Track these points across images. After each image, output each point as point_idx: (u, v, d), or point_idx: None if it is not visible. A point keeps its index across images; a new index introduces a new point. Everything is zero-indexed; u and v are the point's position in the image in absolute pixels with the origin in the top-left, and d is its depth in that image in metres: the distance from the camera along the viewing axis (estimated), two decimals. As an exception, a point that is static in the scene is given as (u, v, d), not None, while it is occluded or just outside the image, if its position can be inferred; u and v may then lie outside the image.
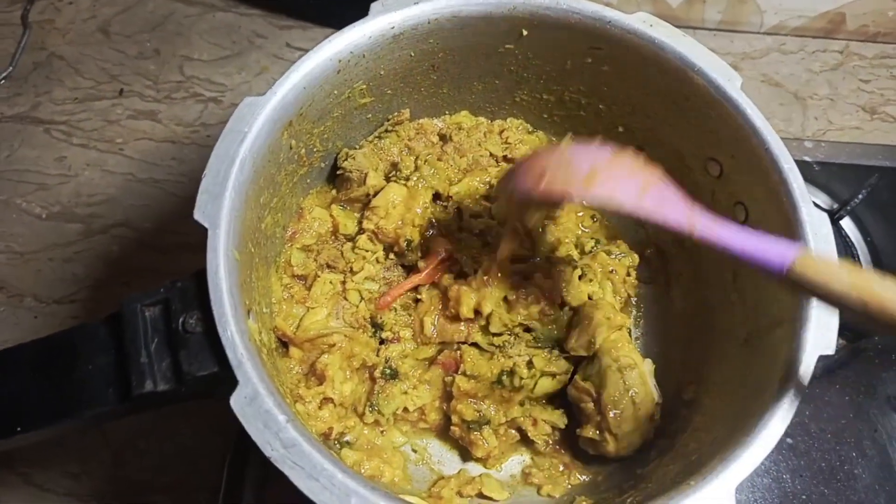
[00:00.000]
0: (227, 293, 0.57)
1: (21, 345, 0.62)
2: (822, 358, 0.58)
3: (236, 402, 0.53)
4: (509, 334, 0.77)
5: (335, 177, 0.84)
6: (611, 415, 0.70)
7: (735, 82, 0.68)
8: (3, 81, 1.13)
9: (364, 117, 0.80)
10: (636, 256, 0.85)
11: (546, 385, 0.76)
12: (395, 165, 0.83)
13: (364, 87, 0.75)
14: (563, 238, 0.83)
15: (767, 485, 0.90)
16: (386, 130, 0.85)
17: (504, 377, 0.74)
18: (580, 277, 0.80)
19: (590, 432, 0.72)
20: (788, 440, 0.93)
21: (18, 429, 0.59)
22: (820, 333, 0.58)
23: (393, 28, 0.71)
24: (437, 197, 0.84)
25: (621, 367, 0.73)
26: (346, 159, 0.82)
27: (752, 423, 0.57)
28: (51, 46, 1.17)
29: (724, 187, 0.73)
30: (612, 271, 0.84)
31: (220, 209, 0.60)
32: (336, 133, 0.78)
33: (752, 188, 0.69)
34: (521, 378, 0.74)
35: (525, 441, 0.79)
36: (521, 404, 0.77)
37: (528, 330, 0.78)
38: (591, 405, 0.73)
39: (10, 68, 1.13)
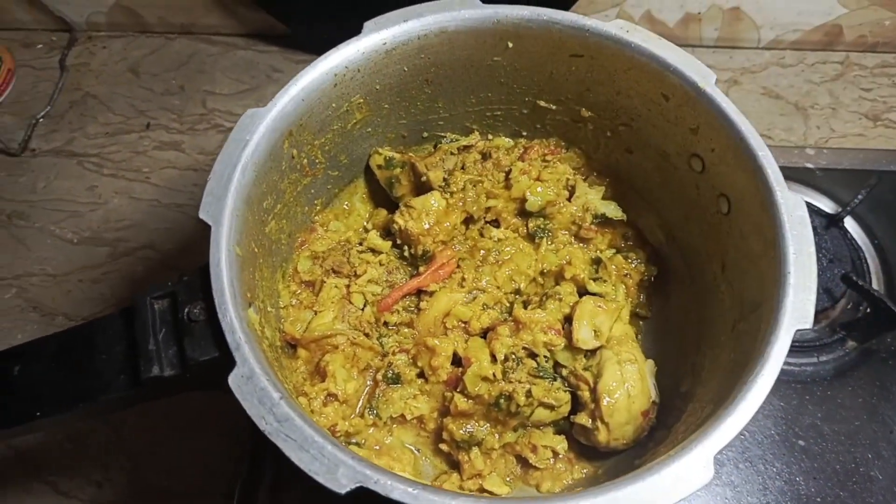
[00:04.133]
0: (227, 283, 0.61)
1: (43, 337, 0.67)
2: (800, 333, 0.59)
3: (234, 380, 0.57)
4: (514, 359, 0.77)
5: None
6: (604, 402, 0.71)
7: (710, 79, 0.71)
8: (41, 119, 1.22)
9: (364, 131, 0.85)
10: (654, 269, 0.86)
11: (542, 415, 0.76)
12: (446, 180, 0.85)
13: (361, 100, 0.80)
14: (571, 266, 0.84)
15: (780, 487, 0.89)
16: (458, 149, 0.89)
17: (502, 400, 0.74)
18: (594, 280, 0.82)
19: (583, 419, 0.74)
20: (801, 443, 0.92)
21: (38, 413, 0.63)
22: (797, 308, 0.60)
23: (385, 44, 0.76)
24: (468, 220, 0.87)
25: (621, 360, 0.74)
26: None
27: (732, 397, 0.58)
28: (85, 87, 1.26)
29: (706, 181, 0.75)
30: (626, 275, 0.86)
31: (223, 208, 0.65)
32: (338, 146, 0.83)
33: (732, 179, 0.71)
34: (518, 405, 0.74)
35: (525, 464, 0.79)
36: (515, 430, 0.78)
37: (532, 356, 0.78)
38: (587, 393, 0.74)
39: (48, 107, 1.23)
